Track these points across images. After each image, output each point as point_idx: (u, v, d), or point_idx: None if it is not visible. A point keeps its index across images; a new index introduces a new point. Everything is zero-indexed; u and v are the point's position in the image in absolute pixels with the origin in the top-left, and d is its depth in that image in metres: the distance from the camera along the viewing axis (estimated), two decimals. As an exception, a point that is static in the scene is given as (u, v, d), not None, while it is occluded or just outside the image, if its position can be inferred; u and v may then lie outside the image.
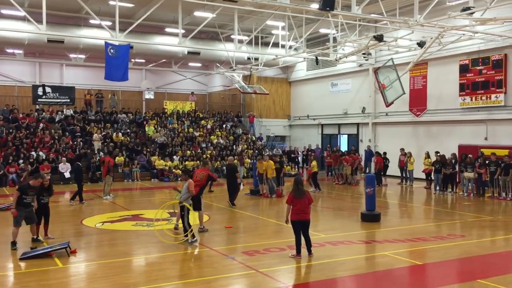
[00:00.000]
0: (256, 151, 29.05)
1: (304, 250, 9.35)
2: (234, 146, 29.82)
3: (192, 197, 10.95)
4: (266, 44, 28.31)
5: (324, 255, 9.52)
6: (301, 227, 9.27)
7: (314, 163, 20.51)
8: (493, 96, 21.26)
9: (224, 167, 23.89)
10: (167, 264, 9.03)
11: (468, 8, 15.09)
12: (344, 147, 29.76)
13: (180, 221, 10.95)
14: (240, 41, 23.95)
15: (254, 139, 31.62)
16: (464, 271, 8.90)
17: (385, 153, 23.59)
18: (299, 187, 9.42)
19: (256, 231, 12.49)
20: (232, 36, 22.33)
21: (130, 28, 18.99)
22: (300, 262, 9.08)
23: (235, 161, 21.13)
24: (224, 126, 32.59)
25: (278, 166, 18.85)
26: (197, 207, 11.42)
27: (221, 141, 30.12)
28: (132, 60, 30.24)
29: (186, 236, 10.39)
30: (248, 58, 28.19)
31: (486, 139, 21.64)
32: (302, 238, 9.33)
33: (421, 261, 9.35)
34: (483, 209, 16.13)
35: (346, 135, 30.75)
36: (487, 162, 18.67)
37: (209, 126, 31.66)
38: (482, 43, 21.29)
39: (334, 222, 13.66)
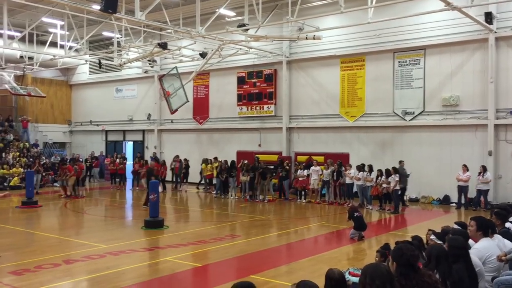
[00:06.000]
0: (31, 159, 26.34)
1: None
2: (4, 154, 26.48)
3: None
4: (42, 43, 25.90)
5: (104, 266, 9.09)
6: None
7: None
8: (265, 106, 23.49)
9: None
10: None
11: (244, 25, 16.40)
12: (129, 154, 29.21)
13: None
14: (11, 37, 21.45)
15: (28, 146, 28.63)
16: (240, 268, 9.52)
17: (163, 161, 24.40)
18: None
19: (28, 247, 11.21)
20: (1, 31, 19.80)
21: None
22: (76, 277, 8.49)
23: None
24: (-9, 131, 28.72)
25: None
26: None
27: (-13, 148, 26.45)
28: None
29: None
30: (21, 57, 25.37)
31: (259, 145, 23.77)
32: None
33: (201, 263, 9.69)
34: (256, 210, 17.62)
35: (132, 142, 30.24)
36: (259, 167, 20.41)
37: (-30, 131, 27.52)
38: (256, 58, 23.37)
39: (116, 232, 13.19)
